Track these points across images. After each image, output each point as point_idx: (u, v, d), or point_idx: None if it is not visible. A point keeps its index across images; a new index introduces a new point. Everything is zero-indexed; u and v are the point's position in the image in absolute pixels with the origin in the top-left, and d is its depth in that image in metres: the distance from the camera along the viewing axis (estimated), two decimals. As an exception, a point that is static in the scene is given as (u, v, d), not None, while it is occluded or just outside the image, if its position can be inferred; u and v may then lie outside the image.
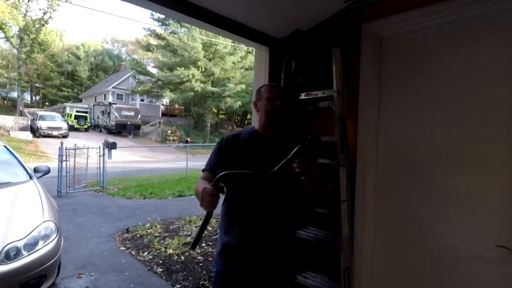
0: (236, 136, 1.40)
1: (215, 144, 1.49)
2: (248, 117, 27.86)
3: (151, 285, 3.06)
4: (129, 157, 11.22)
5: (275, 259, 1.28)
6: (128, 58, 42.39)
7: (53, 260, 2.42)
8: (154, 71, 24.91)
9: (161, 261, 3.60)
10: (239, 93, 21.58)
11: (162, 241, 4.24)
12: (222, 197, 1.34)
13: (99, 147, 8.19)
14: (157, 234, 4.53)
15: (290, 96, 1.99)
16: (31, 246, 2.32)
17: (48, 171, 3.61)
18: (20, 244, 2.26)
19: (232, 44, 20.01)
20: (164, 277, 3.23)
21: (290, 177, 1.26)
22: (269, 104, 1.34)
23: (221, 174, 1.13)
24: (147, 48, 24.31)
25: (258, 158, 1.29)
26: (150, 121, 26.14)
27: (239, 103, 21.92)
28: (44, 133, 18.57)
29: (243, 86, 21.09)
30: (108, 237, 4.38)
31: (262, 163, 1.26)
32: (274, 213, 1.27)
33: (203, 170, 1.40)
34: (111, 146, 10.30)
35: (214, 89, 20.92)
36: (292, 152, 1.12)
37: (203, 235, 4.27)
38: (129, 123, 22.27)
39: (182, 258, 3.72)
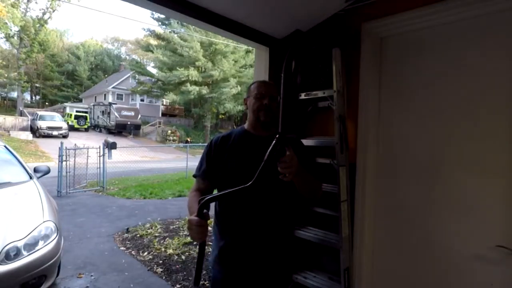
0: (225, 137, 1.35)
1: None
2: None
3: (151, 285, 3.06)
4: (129, 157, 11.21)
5: (272, 261, 1.26)
6: (127, 58, 42.43)
7: (53, 260, 2.42)
8: (154, 71, 24.91)
9: (161, 261, 3.60)
10: (238, 95, 21.50)
11: (162, 241, 4.24)
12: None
13: (99, 147, 8.19)
14: (157, 234, 4.53)
15: (286, 95, 1.98)
16: (31, 246, 2.32)
17: (48, 171, 3.61)
18: (20, 244, 2.26)
19: (233, 44, 19.98)
20: (164, 277, 3.23)
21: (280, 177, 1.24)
22: (256, 103, 1.31)
23: (203, 202, 1.05)
24: (147, 48, 24.30)
25: (249, 160, 1.25)
26: (150, 121, 26.13)
27: (239, 108, 21.86)
28: (44, 133, 18.56)
29: (242, 87, 21.00)
30: (108, 237, 4.37)
31: (254, 165, 1.25)
32: (268, 215, 1.24)
33: (194, 176, 1.37)
34: (111, 146, 10.28)
35: (213, 95, 20.84)
36: (267, 155, 1.05)
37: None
38: (129, 123, 22.26)
39: (182, 258, 3.72)
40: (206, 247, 1.14)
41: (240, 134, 1.36)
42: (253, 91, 1.35)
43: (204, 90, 20.73)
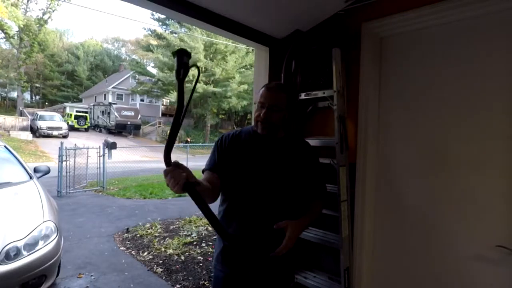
0: (235, 136, 1.33)
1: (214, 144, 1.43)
2: (248, 117, 27.86)
3: (151, 285, 3.07)
4: (129, 157, 11.21)
5: (274, 261, 1.26)
6: (127, 58, 42.42)
7: (53, 260, 2.42)
8: (154, 71, 24.89)
9: (161, 261, 3.60)
10: (240, 94, 21.52)
11: (162, 241, 4.24)
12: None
13: (99, 147, 8.19)
14: (157, 234, 4.53)
15: (291, 98, 1.98)
16: (31, 246, 2.32)
17: (48, 171, 3.61)
18: (20, 244, 2.27)
19: (233, 43, 19.99)
20: (164, 277, 3.23)
21: (288, 177, 1.25)
22: (256, 112, 1.28)
23: (187, 184, 0.94)
24: (147, 48, 24.27)
25: (257, 161, 1.26)
26: (150, 121, 26.13)
27: (245, 102, 21.74)
28: (44, 133, 18.56)
29: (245, 86, 20.99)
30: (108, 237, 4.38)
31: (261, 167, 1.25)
32: (273, 214, 1.24)
33: (203, 171, 1.32)
34: (111, 146, 10.28)
35: (216, 89, 20.78)
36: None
37: (203, 234, 4.20)
38: (129, 123, 22.27)
39: (182, 258, 3.72)
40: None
41: (249, 134, 1.33)
42: (257, 97, 1.30)
43: (209, 88, 20.66)
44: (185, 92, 0.95)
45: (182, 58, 0.94)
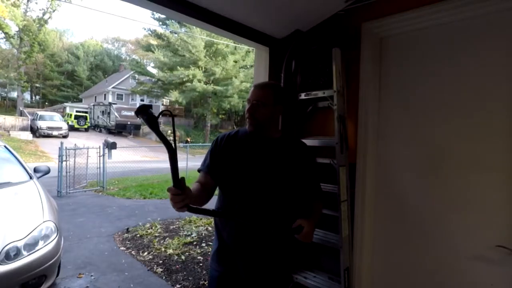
0: (231, 136, 1.34)
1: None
2: (248, 117, 27.81)
3: (151, 285, 3.06)
4: (129, 157, 11.20)
5: (271, 260, 1.26)
6: (127, 58, 42.42)
7: (53, 260, 2.42)
8: (154, 71, 24.90)
9: (161, 261, 3.60)
10: (241, 93, 21.52)
11: (162, 241, 4.24)
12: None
13: (99, 147, 8.19)
14: (157, 234, 4.53)
15: (279, 95, 1.97)
16: (31, 246, 2.32)
17: (48, 171, 3.61)
18: (20, 244, 2.26)
19: (234, 43, 19.97)
20: (164, 277, 3.23)
21: (286, 177, 1.25)
22: (246, 108, 1.30)
23: (187, 204, 1.02)
24: (147, 48, 24.27)
25: (253, 161, 1.26)
26: (150, 121, 26.07)
27: (245, 102, 21.71)
28: (44, 133, 18.56)
29: (247, 84, 20.98)
30: (108, 237, 4.38)
31: (257, 166, 1.25)
32: (269, 212, 1.24)
33: (198, 170, 1.33)
34: (111, 146, 10.27)
35: (217, 87, 20.77)
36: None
37: (203, 234, 4.20)
38: (129, 123, 22.26)
39: (182, 258, 3.72)
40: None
41: (245, 134, 1.34)
42: None
43: (209, 87, 20.65)
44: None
45: (147, 113, 0.99)
